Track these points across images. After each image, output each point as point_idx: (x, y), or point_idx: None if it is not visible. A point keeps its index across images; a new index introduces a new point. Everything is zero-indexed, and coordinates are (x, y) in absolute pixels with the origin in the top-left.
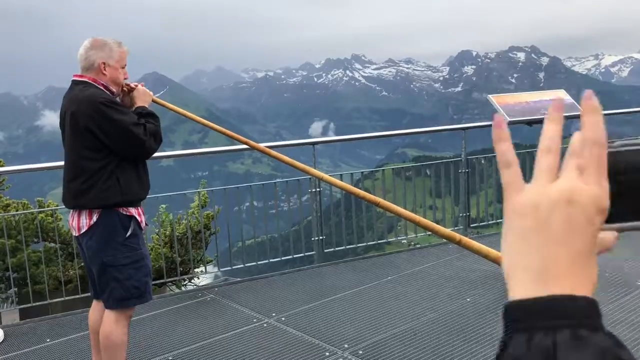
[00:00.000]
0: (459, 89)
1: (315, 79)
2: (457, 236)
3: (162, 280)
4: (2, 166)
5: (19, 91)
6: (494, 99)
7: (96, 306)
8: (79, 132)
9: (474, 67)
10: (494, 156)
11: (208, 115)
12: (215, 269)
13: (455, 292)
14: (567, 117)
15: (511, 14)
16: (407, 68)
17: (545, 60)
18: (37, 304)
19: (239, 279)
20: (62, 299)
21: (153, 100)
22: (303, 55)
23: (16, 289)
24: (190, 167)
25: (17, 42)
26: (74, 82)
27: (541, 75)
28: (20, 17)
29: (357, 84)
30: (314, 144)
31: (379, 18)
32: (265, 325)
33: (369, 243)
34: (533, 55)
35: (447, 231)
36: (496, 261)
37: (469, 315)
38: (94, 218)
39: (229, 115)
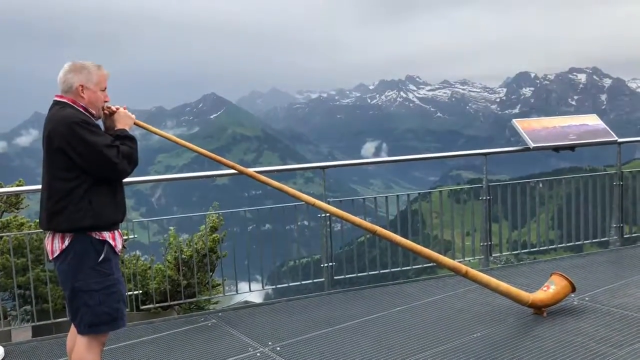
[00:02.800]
0: (516, 110)
1: (369, 100)
2: (464, 268)
3: (167, 303)
4: (21, 185)
5: None
6: (518, 123)
7: (73, 330)
8: (53, 152)
9: (532, 89)
10: (519, 183)
11: (263, 135)
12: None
13: (464, 326)
14: (600, 143)
15: (572, 35)
16: (463, 89)
17: (607, 82)
18: (41, 323)
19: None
20: (66, 318)
21: (135, 124)
22: (357, 76)
23: (28, 307)
24: (245, 185)
25: None
26: (54, 102)
27: (603, 97)
28: (85, 41)
29: (411, 105)
30: (323, 167)
31: (433, 40)
32: (258, 354)
33: (382, 271)
34: (594, 76)
35: (453, 263)
36: (505, 294)
37: (472, 353)
38: (66, 242)
39: (283, 136)
